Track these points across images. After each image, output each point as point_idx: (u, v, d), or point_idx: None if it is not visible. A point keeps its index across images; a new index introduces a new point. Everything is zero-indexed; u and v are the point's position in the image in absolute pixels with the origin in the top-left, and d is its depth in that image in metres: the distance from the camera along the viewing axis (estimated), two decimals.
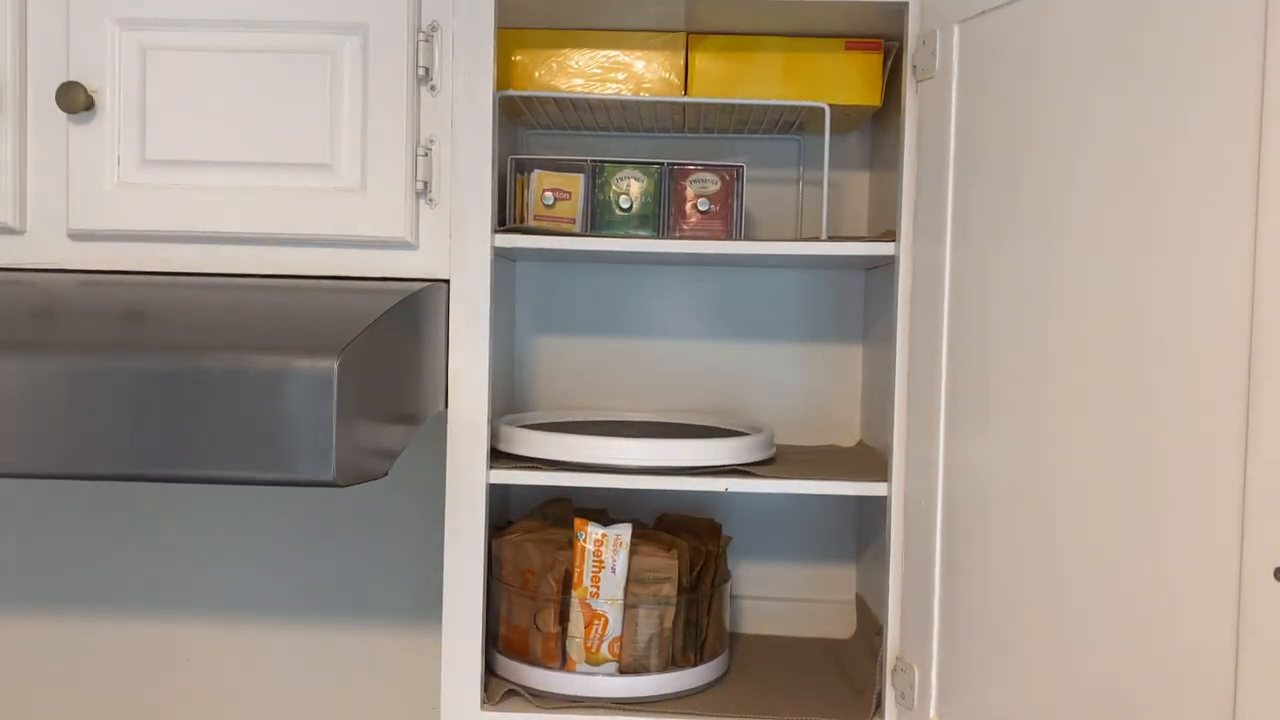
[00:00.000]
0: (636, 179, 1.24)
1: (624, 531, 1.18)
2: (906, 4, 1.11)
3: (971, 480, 1.02)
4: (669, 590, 1.19)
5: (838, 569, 1.49)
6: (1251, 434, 0.75)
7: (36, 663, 1.54)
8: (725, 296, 1.48)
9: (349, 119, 1.08)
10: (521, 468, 1.16)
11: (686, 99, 1.24)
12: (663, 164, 1.24)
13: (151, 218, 1.09)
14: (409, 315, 1.02)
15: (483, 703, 1.15)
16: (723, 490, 1.16)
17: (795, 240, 1.28)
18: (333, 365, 0.83)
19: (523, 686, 1.18)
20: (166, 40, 1.08)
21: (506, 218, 1.24)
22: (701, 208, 1.24)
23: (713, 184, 1.24)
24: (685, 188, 1.24)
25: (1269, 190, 0.75)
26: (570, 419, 1.39)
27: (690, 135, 1.46)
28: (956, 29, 1.03)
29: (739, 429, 1.31)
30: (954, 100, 1.03)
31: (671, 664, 1.21)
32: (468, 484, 1.13)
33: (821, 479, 1.16)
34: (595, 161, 1.24)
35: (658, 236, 1.24)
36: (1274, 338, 0.74)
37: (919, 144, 1.10)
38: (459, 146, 1.11)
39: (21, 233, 1.11)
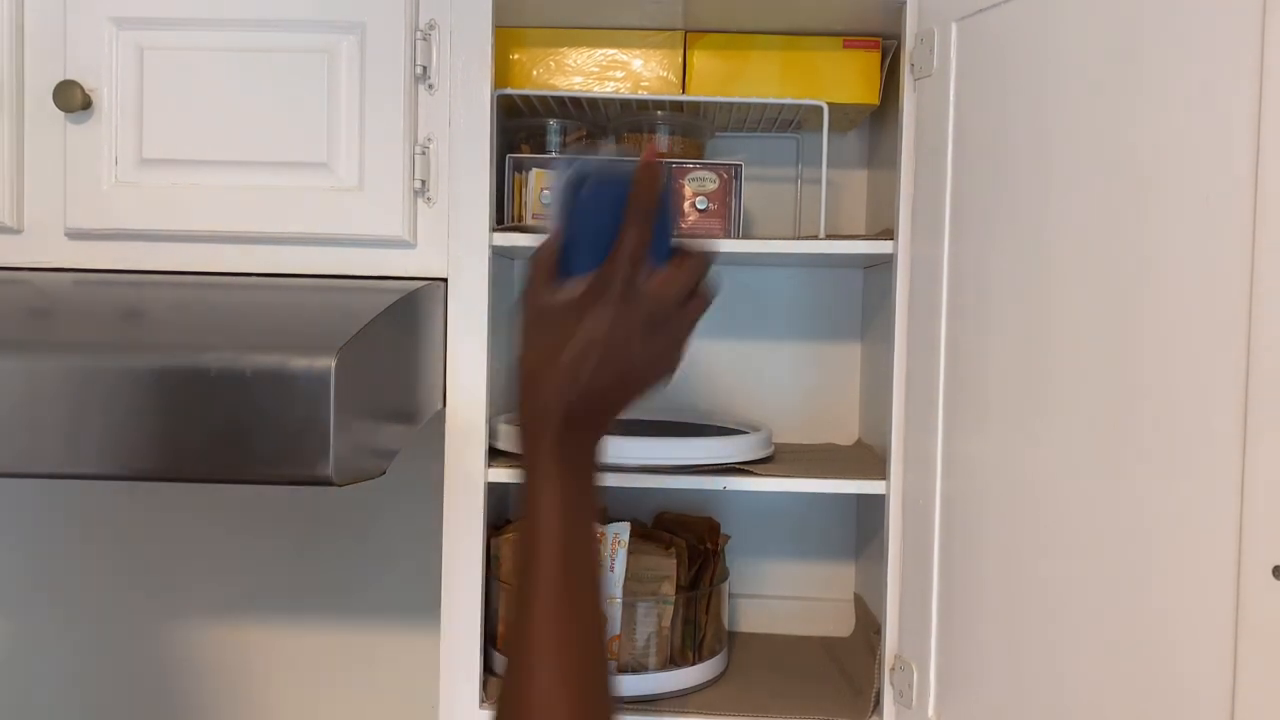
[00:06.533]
0: None
1: (622, 530, 1.18)
2: (904, 2, 1.11)
3: (970, 478, 1.01)
4: (667, 589, 1.19)
5: (836, 567, 1.49)
6: (1250, 431, 0.75)
7: (35, 663, 1.54)
8: (723, 295, 1.48)
9: (346, 118, 1.08)
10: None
11: (685, 97, 1.24)
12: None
13: (149, 217, 1.09)
14: (407, 314, 1.01)
15: (481, 702, 1.15)
16: (721, 488, 1.16)
17: (793, 239, 1.28)
18: (330, 364, 0.83)
19: None
20: (164, 40, 1.08)
21: (505, 216, 1.24)
22: (700, 206, 1.24)
23: (711, 182, 1.24)
24: (683, 186, 1.24)
25: (1266, 188, 0.75)
26: None
27: None
28: (954, 27, 1.03)
29: (737, 427, 1.31)
30: (952, 98, 1.03)
31: (670, 662, 1.21)
32: (466, 483, 1.13)
33: (820, 477, 1.16)
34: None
35: None
36: (1273, 335, 0.74)
37: (917, 142, 1.10)
38: (457, 145, 1.11)
39: (19, 232, 1.11)
